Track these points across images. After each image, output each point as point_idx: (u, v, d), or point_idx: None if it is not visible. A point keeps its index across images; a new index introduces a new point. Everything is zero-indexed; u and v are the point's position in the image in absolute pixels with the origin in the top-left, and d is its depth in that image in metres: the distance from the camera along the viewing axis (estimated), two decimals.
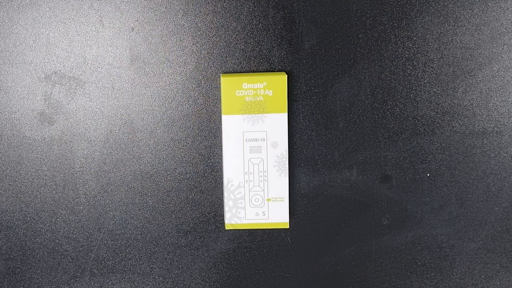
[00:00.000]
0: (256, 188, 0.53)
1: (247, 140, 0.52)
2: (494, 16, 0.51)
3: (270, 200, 0.54)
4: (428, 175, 0.54)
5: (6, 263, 0.58)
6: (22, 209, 0.57)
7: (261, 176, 0.53)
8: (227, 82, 0.51)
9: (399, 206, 0.55)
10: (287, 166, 0.53)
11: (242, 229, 0.57)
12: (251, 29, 0.53)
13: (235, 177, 0.53)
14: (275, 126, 0.52)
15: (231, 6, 0.52)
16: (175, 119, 0.54)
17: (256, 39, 0.53)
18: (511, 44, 0.52)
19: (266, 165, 0.53)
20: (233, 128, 0.52)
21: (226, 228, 0.55)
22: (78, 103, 0.54)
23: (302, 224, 0.56)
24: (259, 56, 0.53)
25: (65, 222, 0.57)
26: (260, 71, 0.54)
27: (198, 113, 0.54)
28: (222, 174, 0.55)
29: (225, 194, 0.53)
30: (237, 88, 0.51)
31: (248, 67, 0.53)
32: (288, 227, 0.54)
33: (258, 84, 0.51)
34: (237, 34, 0.53)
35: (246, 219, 0.54)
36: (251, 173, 0.53)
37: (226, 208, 0.54)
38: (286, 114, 0.52)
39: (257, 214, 0.54)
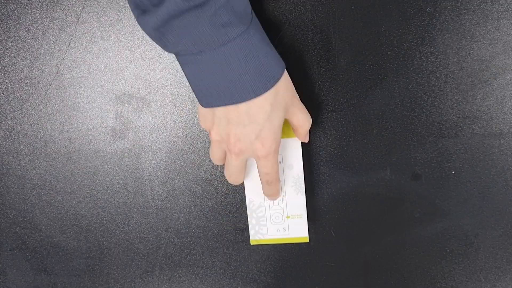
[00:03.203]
0: (276, 207, 0.52)
1: None
2: (506, 31, 0.51)
3: (289, 217, 0.52)
4: (453, 172, 0.54)
5: (86, 261, 0.59)
6: (99, 214, 0.57)
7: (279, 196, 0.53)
8: None
9: (429, 201, 0.55)
10: (303, 186, 0.52)
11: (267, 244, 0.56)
12: (293, 51, 0.53)
13: (255, 198, 0.52)
14: (289, 151, 0.51)
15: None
16: None
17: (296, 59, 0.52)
18: None
19: (284, 185, 0.52)
20: None
21: (251, 244, 0.55)
22: (145, 119, 0.55)
23: (343, 219, 0.56)
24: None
25: (136, 224, 0.57)
26: None
27: None
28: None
29: (248, 213, 0.53)
30: None
31: None
32: (308, 241, 0.53)
33: None
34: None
35: (268, 234, 0.53)
36: None
37: (250, 226, 0.53)
38: (299, 140, 0.51)
39: (278, 230, 0.53)
